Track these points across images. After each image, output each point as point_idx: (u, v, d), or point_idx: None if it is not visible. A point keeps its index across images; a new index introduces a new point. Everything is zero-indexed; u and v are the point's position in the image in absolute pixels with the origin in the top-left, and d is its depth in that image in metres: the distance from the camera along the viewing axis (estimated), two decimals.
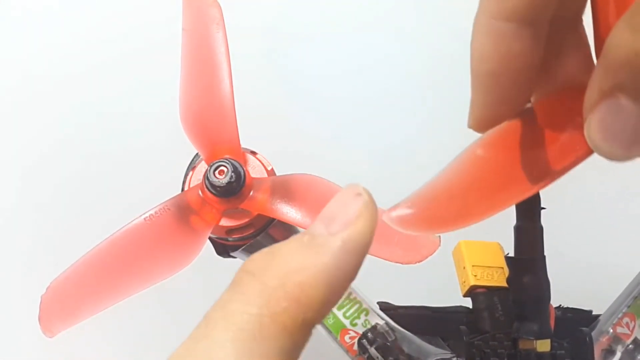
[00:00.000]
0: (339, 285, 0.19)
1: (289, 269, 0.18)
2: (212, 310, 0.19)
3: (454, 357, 0.30)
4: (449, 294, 0.34)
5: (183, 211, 0.29)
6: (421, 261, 0.28)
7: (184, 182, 0.31)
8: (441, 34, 0.53)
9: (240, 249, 0.31)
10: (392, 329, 0.32)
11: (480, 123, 0.22)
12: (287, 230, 0.32)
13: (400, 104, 0.53)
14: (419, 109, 0.53)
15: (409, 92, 0.53)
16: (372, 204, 0.19)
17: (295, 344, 0.18)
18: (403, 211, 0.21)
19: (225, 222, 0.30)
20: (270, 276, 0.18)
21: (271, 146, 0.33)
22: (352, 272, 0.19)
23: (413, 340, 0.31)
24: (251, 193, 0.29)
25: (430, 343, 0.32)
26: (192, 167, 0.31)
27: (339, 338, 0.32)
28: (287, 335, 0.18)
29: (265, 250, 0.19)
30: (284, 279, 0.18)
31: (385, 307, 0.33)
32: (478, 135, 0.23)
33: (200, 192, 0.29)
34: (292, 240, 0.19)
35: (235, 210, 0.30)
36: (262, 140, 0.32)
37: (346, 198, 0.20)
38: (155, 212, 0.29)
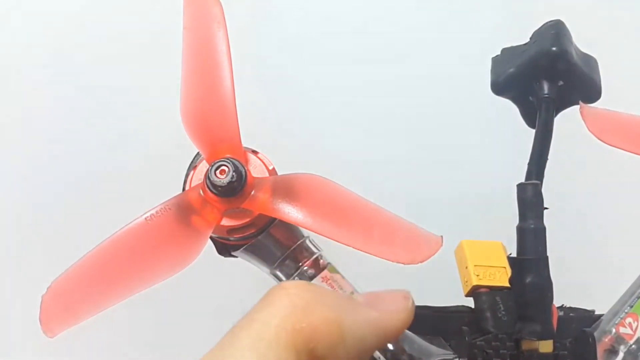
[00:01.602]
0: (352, 343, 0.20)
1: (319, 299, 0.20)
2: (242, 318, 0.20)
3: (455, 357, 0.30)
4: (451, 294, 0.33)
5: (184, 211, 0.29)
6: (423, 261, 0.28)
7: (184, 182, 0.31)
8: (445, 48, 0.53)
9: (241, 249, 0.31)
10: None
11: None
12: (288, 230, 0.31)
13: (402, 104, 0.53)
14: (419, 109, 0.53)
15: (409, 92, 0.53)
16: (412, 311, 0.23)
17: None
18: None
19: (226, 222, 0.30)
20: (300, 296, 0.20)
21: (272, 146, 0.33)
22: (366, 343, 0.21)
23: (415, 340, 0.31)
24: (252, 193, 0.29)
25: (432, 343, 0.31)
26: (193, 166, 0.31)
27: None
28: (295, 353, 0.19)
29: (306, 281, 0.21)
30: (312, 304, 0.20)
31: None
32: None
33: (201, 192, 0.29)
34: (332, 290, 0.21)
35: (237, 210, 0.29)
36: (263, 139, 0.32)
37: (395, 295, 0.23)
38: (156, 212, 0.29)
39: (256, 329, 0.19)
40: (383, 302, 0.22)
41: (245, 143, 0.30)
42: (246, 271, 0.33)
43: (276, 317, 0.19)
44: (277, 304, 0.20)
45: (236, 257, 0.32)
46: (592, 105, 0.32)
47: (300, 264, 0.32)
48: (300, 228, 0.32)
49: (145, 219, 0.29)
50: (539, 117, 0.33)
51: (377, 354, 0.31)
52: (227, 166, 0.28)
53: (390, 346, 0.30)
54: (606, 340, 0.32)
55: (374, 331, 0.21)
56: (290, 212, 0.28)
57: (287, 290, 0.20)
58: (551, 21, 0.33)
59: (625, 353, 0.32)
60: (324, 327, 0.19)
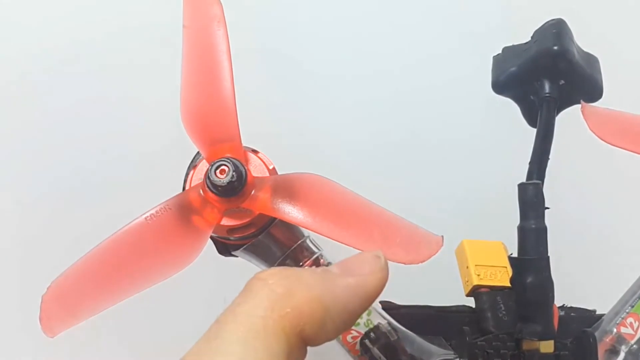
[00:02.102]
0: (336, 314, 0.21)
1: (297, 282, 0.20)
2: (224, 312, 0.20)
3: (456, 357, 0.30)
4: (451, 294, 0.33)
5: (184, 210, 0.29)
6: (424, 261, 0.28)
7: (184, 182, 0.31)
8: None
9: (241, 249, 0.31)
10: (394, 328, 0.31)
11: None
12: (288, 229, 0.31)
13: (403, 104, 0.53)
14: (420, 108, 0.53)
15: (410, 91, 0.53)
16: (386, 269, 0.23)
17: (291, 351, 0.20)
18: None
19: (226, 222, 0.30)
20: (279, 284, 0.20)
21: (273, 145, 0.33)
22: (350, 310, 0.21)
23: (415, 340, 0.31)
24: (253, 192, 0.29)
25: (432, 343, 0.31)
26: (193, 166, 0.31)
27: (341, 338, 0.32)
28: (285, 339, 0.19)
29: (278, 267, 0.22)
30: (292, 289, 0.20)
31: (388, 307, 0.33)
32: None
33: (201, 192, 0.29)
34: (305, 268, 0.21)
35: (237, 209, 0.29)
36: (263, 138, 0.32)
37: (366, 257, 0.23)
38: (156, 212, 0.29)
39: (242, 321, 0.19)
40: (357, 266, 0.22)
41: (245, 142, 0.30)
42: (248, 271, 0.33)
43: (259, 307, 0.20)
44: (258, 294, 0.20)
45: (236, 256, 0.32)
46: (593, 104, 0.32)
47: (301, 263, 0.32)
48: (301, 228, 0.32)
49: (145, 218, 0.29)
50: (540, 117, 0.32)
51: (377, 353, 0.31)
52: (227, 166, 0.28)
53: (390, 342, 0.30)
54: (607, 340, 0.32)
55: (355, 297, 0.21)
56: (291, 211, 0.28)
57: (264, 280, 0.21)
58: (552, 20, 0.33)
59: (626, 353, 0.32)
60: (307, 307, 0.20)
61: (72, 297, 0.28)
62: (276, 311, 0.20)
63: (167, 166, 0.37)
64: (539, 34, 0.33)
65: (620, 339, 0.32)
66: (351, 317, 0.22)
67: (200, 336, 0.20)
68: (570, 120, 0.33)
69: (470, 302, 0.34)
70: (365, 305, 0.22)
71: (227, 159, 0.28)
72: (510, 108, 0.35)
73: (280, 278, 0.21)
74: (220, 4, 0.31)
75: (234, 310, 0.20)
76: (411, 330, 0.32)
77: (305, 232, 0.32)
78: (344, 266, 0.23)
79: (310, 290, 0.20)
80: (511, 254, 0.29)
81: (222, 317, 0.20)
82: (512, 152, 0.35)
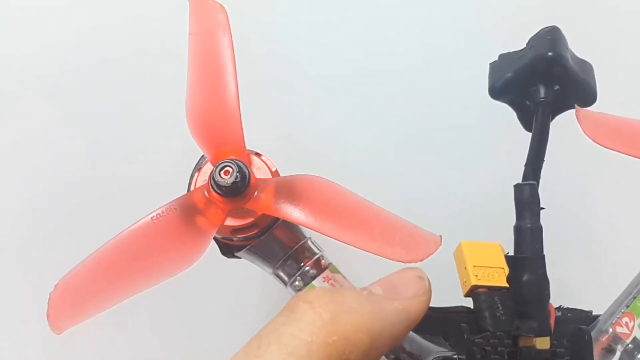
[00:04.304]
0: (382, 342, 0.20)
1: (344, 308, 0.20)
2: (265, 331, 0.20)
3: (455, 355, 0.31)
4: (450, 294, 0.34)
5: (189, 211, 0.30)
6: (422, 260, 0.28)
7: (189, 183, 0.32)
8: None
9: (244, 249, 0.32)
10: None
11: None
12: (290, 230, 0.32)
13: (402, 106, 0.53)
14: (418, 110, 0.53)
15: (409, 94, 0.53)
16: (430, 291, 0.22)
17: None
18: None
19: (230, 222, 0.30)
20: (325, 309, 0.20)
21: (276, 148, 0.33)
22: (394, 336, 0.21)
23: (414, 339, 0.31)
24: (256, 193, 0.30)
25: (431, 342, 0.32)
26: (198, 168, 0.32)
27: None
28: None
29: (324, 288, 0.21)
30: (339, 315, 0.19)
31: None
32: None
33: (205, 193, 0.30)
34: (350, 289, 0.21)
35: (240, 210, 0.30)
36: (266, 142, 0.33)
37: (410, 277, 0.23)
38: (162, 212, 0.29)
39: (286, 343, 0.19)
40: (401, 288, 0.22)
41: (248, 146, 0.31)
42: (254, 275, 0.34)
43: (305, 332, 0.19)
44: (303, 318, 0.19)
45: (239, 257, 0.33)
46: (587, 108, 0.33)
47: (302, 264, 0.32)
48: (303, 229, 0.32)
49: (151, 218, 0.29)
50: (536, 121, 0.33)
51: None
52: (231, 167, 0.29)
53: None
54: (603, 339, 0.32)
55: (399, 323, 0.21)
56: (293, 212, 0.29)
57: (310, 303, 0.20)
58: (547, 27, 0.34)
59: (622, 352, 0.32)
60: (354, 337, 0.19)
61: (79, 295, 0.29)
62: (322, 337, 0.19)
63: (173, 168, 0.37)
64: (534, 40, 0.34)
65: (616, 339, 0.32)
66: (393, 342, 0.21)
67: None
68: (564, 124, 0.34)
69: (469, 303, 0.34)
70: (409, 330, 0.21)
71: (231, 160, 0.29)
72: (507, 111, 0.35)
73: (326, 302, 0.20)
74: (225, 11, 0.32)
75: (277, 330, 0.19)
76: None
77: (307, 233, 0.33)
78: (388, 287, 0.22)
79: (358, 318, 0.20)
80: (507, 253, 0.30)
81: (264, 334, 0.20)
82: (508, 155, 0.36)
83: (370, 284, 0.22)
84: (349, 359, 0.19)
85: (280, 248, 0.32)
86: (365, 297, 0.21)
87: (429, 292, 0.22)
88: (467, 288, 0.33)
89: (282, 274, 0.33)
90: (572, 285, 0.37)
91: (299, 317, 0.20)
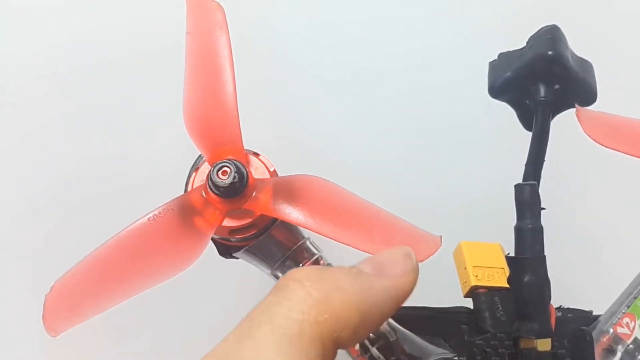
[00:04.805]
0: (371, 319, 0.20)
1: (334, 286, 0.20)
2: (256, 311, 0.20)
3: (455, 356, 0.30)
4: (450, 295, 0.34)
5: (186, 212, 0.30)
6: (422, 261, 0.28)
7: (187, 183, 0.31)
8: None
9: (242, 250, 0.31)
10: (393, 329, 0.32)
11: None
12: (289, 231, 0.32)
13: (401, 105, 0.53)
14: (418, 110, 0.53)
15: (409, 93, 0.53)
16: (417, 269, 0.22)
17: (325, 355, 0.19)
18: None
19: (227, 223, 0.30)
20: (315, 287, 0.20)
21: (275, 148, 0.33)
22: (384, 314, 0.21)
23: (414, 340, 0.31)
24: (254, 194, 0.30)
25: (431, 343, 0.32)
26: (195, 168, 0.31)
27: None
28: (321, 344, 0.19)
29: (313, 266, 0.21)
30: (328, 294, 0.19)
31: None
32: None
33: (203, 193, 0.30)
34: (340, 268, 0.21)
35: (238, 210, 0.30)
36: (266, 142, 0.33)
37: (398, 255, 0.22)
38: (159, 213, 0.29)
39: (278, 324, 0.19)
40: (389, 266, 0.22)
41: (248, 146, 0.31)
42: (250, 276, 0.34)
43: (295, 311, 0.19)
44: (294, 296, 0.19)
45: (237, 258, 0.33)
46: (587, 108, 0.33)
47: (301, 264, 0.32)
48: (301, 229, 0.32)
49: (148, 219, 0.29)
50: (536, 120, 0.33)
51: (376, 353, 0.31)
52: (229, 167, 0.29)
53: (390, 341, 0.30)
54: (604, 340, 0.32)
55: (388, 300, 0.21)
56: (291, 212, 0.29)
57: (300, 282, 0.20)
58: (547, 26, 0.34)
59: (622, 353, 0.32)
60: (344, 314, 0.19)
61: (75, 297, 0.28)
62: (313, 316, 0.19)
63: (170, 168, 0.37)
64: (534, 39, 0.34)
65: (617, 339, 0.32)
66: (382, 320, 0.21)
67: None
68: (565, 124, 0.34)
69: (468, 303, 0.34)
70: (397, 307, 0.21)
71: (229, 160, 0.29)
72: (507, 111, 0.35)
73: (316, 281, 0.20)
74: (223, 10, 0.32)
75: (268, 310, 0.19)
76: (410, 331, 0.32)
77: (306, 233, 0.32)
78: (376, 265, 0.22)
79: (348, 296, 0.20)
80: (508, 254, 0.30)
81: (255, 314, 0.19)
82: (509, 155, 0.35)
83: (358, 262, 0.22)
84: (340, 336, 0.19)
85: (278, 249, 0.32)
86: (354, 275, 0.21)
87: (416, 270, 0.22)
88: (467, 288, 0.33)
89: (280, 275, 0.32)
90: (572, 285, 0.37)
91: (289, 295, 0.20)
